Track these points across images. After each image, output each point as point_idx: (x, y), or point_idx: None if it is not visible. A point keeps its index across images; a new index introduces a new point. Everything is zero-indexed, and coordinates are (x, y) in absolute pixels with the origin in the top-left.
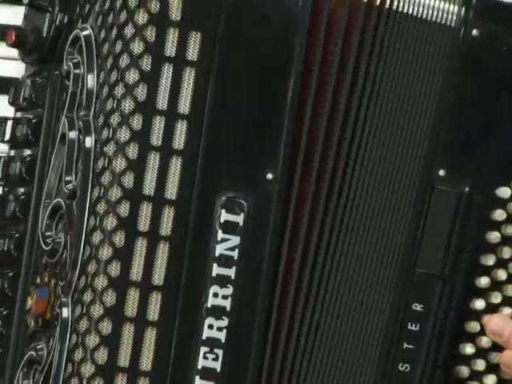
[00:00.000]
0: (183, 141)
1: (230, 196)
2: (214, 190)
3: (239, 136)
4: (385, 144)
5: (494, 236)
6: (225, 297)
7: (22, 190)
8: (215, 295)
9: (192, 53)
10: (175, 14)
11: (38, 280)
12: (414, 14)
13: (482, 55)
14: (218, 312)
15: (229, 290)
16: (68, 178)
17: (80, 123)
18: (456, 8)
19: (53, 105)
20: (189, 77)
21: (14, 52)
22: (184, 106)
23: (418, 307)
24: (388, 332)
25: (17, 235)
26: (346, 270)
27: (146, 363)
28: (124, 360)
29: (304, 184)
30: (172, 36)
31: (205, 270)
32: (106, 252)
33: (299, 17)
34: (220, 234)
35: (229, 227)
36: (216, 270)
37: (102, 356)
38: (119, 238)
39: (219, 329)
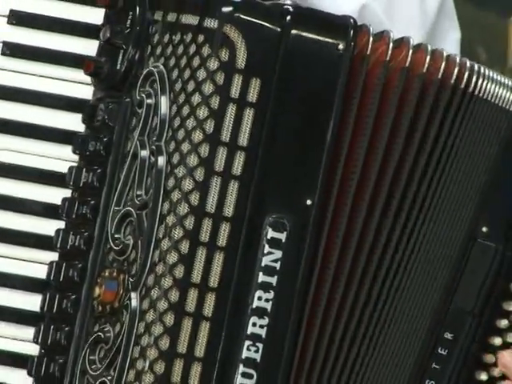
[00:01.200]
0: (240, 168)
1: (275, 216)
2: (264, 211)
3: (286, 166)
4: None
5: None
6: (267, 300)
7: (90, 196)
8: (259, 298)
9: (252, 95)
10: (240, 62)
11: (107, 273)
12: (484, 96)
13: None
14: (260, 312)
15: (270, 295)
16: (139, 192)
17: (153, 146)
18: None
19: (123, 127)
20: (248, 115)
21: (85, 77)
22: (243, 139)
23: (448, 335)
24: (421, 352)
25: (86, 233)
26: (390, 300)
27: (199, 351)
28: (182, 347)
29: (339, 211)
30: (237, 81)
31: (252, 277)
32: (172, 257)
33: (340, 68)
34: (266, 248)
35: (273, 243)
36: (261, 277)
37: (164, 343)
38: (184, 246)
39: (261, 326)
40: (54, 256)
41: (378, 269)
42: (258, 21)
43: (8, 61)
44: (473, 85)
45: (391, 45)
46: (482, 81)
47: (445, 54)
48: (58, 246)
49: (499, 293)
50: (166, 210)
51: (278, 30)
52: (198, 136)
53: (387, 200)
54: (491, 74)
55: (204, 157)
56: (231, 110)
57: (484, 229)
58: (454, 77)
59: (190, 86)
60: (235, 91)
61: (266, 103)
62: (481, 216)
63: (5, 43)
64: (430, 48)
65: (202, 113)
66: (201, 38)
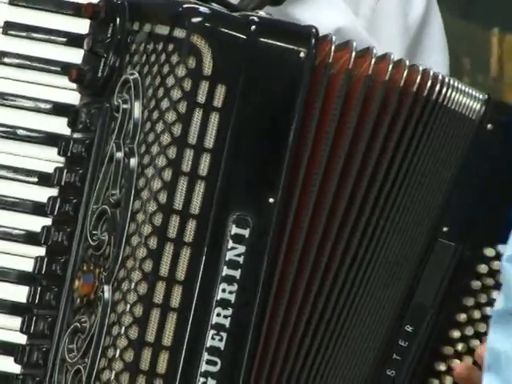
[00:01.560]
0: (206, 169)
1: (239, 214)
2: (228, 209)
3: (249, 167)
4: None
5: (475, 284)
6: (231, 292)
7: (73, 195)
8: (223, 291)
9: (217, 101)
10: (207, 70)
11: (85, 267)
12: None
13: (493, 144)
14: (224, 304)
15: (234, 287)
16: (113, 191)
17: (126, 149)
18: (478, 106)
19: (103, 130)
20: (214, 119)
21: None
22: (209, 141)
23: (409, 328)
24: (383, 345)
25: (68, 230)
26: (353, 296)
27: (167, 340)
28: (150, 336)
29: (301, 209)
30: (203, 87)
31: (217, 270)
32: (141, 252)
33: (302, 74)
34: (230, 243)
35: (237, 238)
36: (225, 271)
37: (133, 333)
38: (153, 242)
39: (225, 316)
40: (42, 251)
41: (340, 264)
42: (223, 29)
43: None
44: (436, 93)
45: (354, 54)
46: (446, 90)
47: (407, 64)
48: (43, 241)
49: (459, 289)
50: (136, 208)
51: (243, 37)
52: (166, 139)
53: (350, 200)
54: (456, 84)
55: (172, 158)
56: (197, 114)
57: (445, 229)
58: (416, 85)
59: (160, 92)
60: (201, 97)
61: (231, 108)
62: (442, 217)
63: None
64: (392, 57)
65: (171, 117)
66: (170, 46)
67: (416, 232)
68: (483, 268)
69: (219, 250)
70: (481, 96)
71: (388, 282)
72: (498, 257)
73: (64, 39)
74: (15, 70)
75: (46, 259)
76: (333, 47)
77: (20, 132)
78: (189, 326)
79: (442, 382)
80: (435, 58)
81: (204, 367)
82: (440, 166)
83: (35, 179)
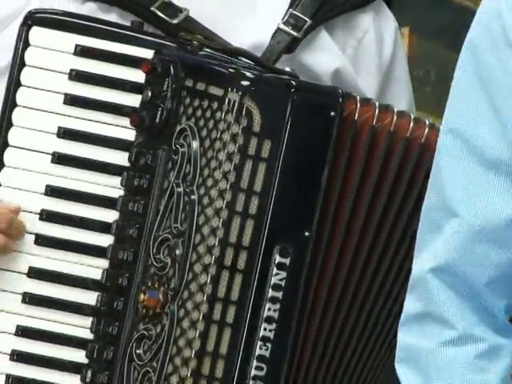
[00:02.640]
0: (255, 208)
1: (282, 245)
2: (273, 241)
3: (291, 205)
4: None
5: None
6: (275, 310)
7: (134, 220)
8: (269, 309)
9: (264, 153)
10: (256, 127)
11: (149, 283)
12: None
13: None
14: (269, 320)
15: (277, 306)
16: (175, 224)
17: (187, 189)
18: None
19: (161, 168)
20: (261, 168)
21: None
22: (257, 186)
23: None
24: None
25: (132, 249)
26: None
27: (223, 350)
28: (210, 347)
29: (332, 242)
30: (253, 141)
31: (264, 292)
32: (203, 278)
33: (332, 129)
34: (275, 270)
35: (280, 266)
36: (271, 293)
37: (196, 344)
38: (212, 270)
39: (270, 330)
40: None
41: (368, 292)
42: (269, 92)
43: (70, 109)
44: None
45: (377, 110)
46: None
47: (427, 123)
48: (109, 257)
49: None
50: (197, 241)
51: (285, 99)
52: (222, 185)
53: (375, 235)
54: None
55: (227, 200)
56: (248, 164)
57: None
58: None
59: (217, 145)
60: (251, 150)
61: (276, 158)
62: None
63: (67, 95)
64: (412, 116)
65: (227, 166)
66: (225, 107)
67: None
68: None
69: (266, 275)
70: None
71: None
72: None
73: (124, 86)
74: (84, 111)
75: (111, 272)
76: (358, 105)
77: (87, 162)
78: (241, 339)
79: None
80: (401, 89)
81: (253, 372)
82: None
83: (100, 203)
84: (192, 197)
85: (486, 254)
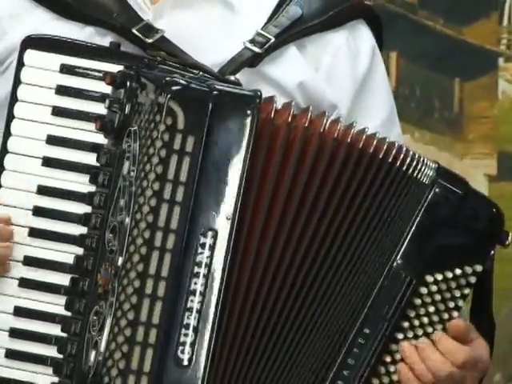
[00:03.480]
0: (181, 196)
1: (206, 227)
2: (197, 224)
3: (210, 194)
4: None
5: (417, 301)
6: (201, 284)
7: (100, 211)
8: (195, 283)
9: (188, 147)
10: (180, 125)
11: (104, 265)
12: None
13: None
14: (194, 292)
15: (202, 281)
16: (120, 213)
17: (128, 182)
18: (431, 172)
19: (118, 166)
20: (186, 161)
21: None
22: (183, 176)
23: (367, 330)
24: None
25: (95, 237)
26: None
27: (155, 320)
28: (143, 317)
29: (254, 224)
30: (178, 138)
31: (189, 268)
32: (136, 257)
33: (249, 122)
34: (199, 249)
35: (203, 245)
36: (196, 269)
37: (130, 314)
38: (143, 250)
39: (197, 302)
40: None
41: (306, 275)
42: (191, 95)
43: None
44: (392, 157)
45: (292, 111)
46: (377, 142)
47: (342, 121)
48: (79, 244)
49: (405, 304)
50: (132, 225)
51: (207, 101)
52: (152, 176)
53: (295, 217)
54: (410, 152)
55: (156, 190)
56: (173, 157)
57: (399, 261)
58: (373, 147)
59: (149, 141)
60: (176, 145)
61: (198, 152)
62: (397, 252)
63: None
64: (331, 117)
65: (155, 160)
66: (155, 108)
67: (378, 262)
68: (423, 290)
69: (190, 253)
70: (432, 164)
71: (349, 295)
72: (437, 282)
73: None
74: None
75: (80, 257)
76: (274, 106)
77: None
78: (169, 310)
79: (387, 369)
80: (378, 99)
81: (182, 339)
82: (398, 219)
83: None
84: (131, 188)
85: None
